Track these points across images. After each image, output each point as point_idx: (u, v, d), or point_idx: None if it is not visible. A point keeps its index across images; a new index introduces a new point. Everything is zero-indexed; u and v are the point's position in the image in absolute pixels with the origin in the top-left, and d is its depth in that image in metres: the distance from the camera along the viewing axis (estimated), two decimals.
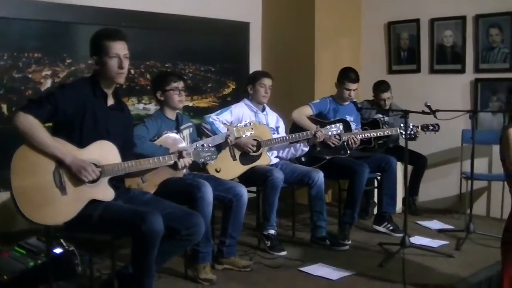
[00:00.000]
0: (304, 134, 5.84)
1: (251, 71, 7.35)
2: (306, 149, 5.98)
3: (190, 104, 7.36)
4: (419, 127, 6.43)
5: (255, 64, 8.06)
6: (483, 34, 7.23)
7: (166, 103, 5.06)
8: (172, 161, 4.20)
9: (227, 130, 5.33)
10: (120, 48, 3.93)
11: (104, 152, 3.89)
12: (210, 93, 7.67)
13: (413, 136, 6.33)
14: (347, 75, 6.34)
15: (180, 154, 4.21)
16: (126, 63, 3.96)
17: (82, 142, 3.84)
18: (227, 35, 7.82)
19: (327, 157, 6.20)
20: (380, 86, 7.22)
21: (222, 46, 7.78)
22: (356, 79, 6.33)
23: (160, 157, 4.13)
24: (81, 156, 3.78)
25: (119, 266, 4.28)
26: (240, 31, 8.02)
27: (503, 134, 3.73)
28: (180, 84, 5.06)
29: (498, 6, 7.03)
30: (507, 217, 3.94)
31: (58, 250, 4.65)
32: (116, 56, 3.91)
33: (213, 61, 7.68)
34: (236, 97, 7.22)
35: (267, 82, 5.89)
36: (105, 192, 3.87)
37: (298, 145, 5.96)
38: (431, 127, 6.45)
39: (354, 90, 6.35)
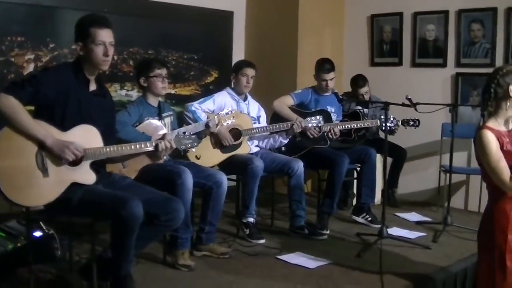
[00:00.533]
0: (283, 125, 5.88)
1: (234, 60, 7.34)
2: (285, 141, 6.01)
3: (173, 91, 7.36)
4: (400, 122, 6.48)
5: (238, 53, 8.06)
6: (465, 29, 7.28)
7: (149, 90, 5.07)
8: (153, 147, 4.22)
9: (208, 118, 5.36)
10: (106, 36, 3.93)
11: (87, 136, 3.89)
12: (193, 81, 7.67)
13: (393, 128, 6.38)
14: (321, 66, 6.40)
15: (162, 138, 4.25)
16: (111, 51, 3.96)
17: (64, 126, 3.83)
18: (211, 24, 7.82)
19: (307, 147, 6.24)
20: (358, 82, 7.24)
21: (205, 34, 7.78)
22: (330, 69, 6.37)
23: (142, 143, 4.14)
24: (63, 138, 3.77)
25: (98, 251, 4.29)
26: (224, 20, 8.02)
27: (477, 137, 3.77)
28: (164, 71, 5.08)
29: (480, 1, 7.09)
30: (484, 210, 3.99)
31: (37, 234, 4.66)
32: (102, 44, 3.90)
33: (196, 49, 7.68)
34: (218, 86, 7.22)
35: (250, 72, 5.90)
36: (86, 176, 3.88)
37: (277, 136, 6.00)
38: (412, 122, 6.50)
39: (330, 79, 6.38)
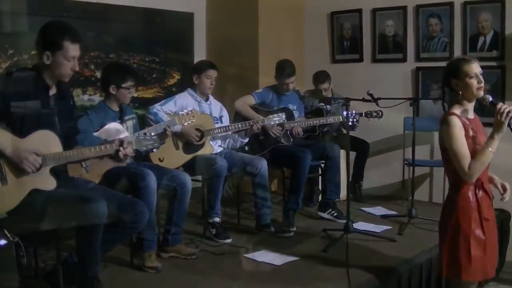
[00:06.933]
0: (244, 124, 5.90)
1: (195, 61, 7.33)
2: (245, 140, 6.05)
3: (135, 94, 7.26)
4: (363, 114, 6.53)
5: (200, 54, 8.04)
6: (423, 23, 7.37)
7: (115, 97, 5.04)
8: (114, 150, 4.10)
9: (170, 119, 5.36)
10: (77, 51, 3.89)
11: (45, 142, 3.84)
12: (155, 83, 7.64)
13: (355, 123, 6.42)
14: (282, 71, 6.48)
15: (121, 144, 4.09)
16: (77, 64, 3.94)
17: (23, 131, 3.79)
18: (172, 26, 7.80)
19: (270, 146, 6.28)
20: (318, 78, 7.27)
21: (166, 36, 7.75)
22: (290, 74, 6.44)
23: (102, 146, 4.05)
24: (22, 145, 3.73)
25: (63, 256, 4.26)
26: (184, 21, 8.00)
27: (444, 121, 3.84)
28: (134, 83, 5.10)
29: None
30: (445, 198, 4.06)
31: (2, 242, 4.61)
32: (73, 59, 3.87)
33: (158, 51, 7.65)
34: (181, 88, 7.18)
35: (213, 73, 5.91)
36: (46, 182, 3.85)
37: (237, 136, 6.03)
38: (375, 114, 6.54)
39: (291, 82, 6.46)
